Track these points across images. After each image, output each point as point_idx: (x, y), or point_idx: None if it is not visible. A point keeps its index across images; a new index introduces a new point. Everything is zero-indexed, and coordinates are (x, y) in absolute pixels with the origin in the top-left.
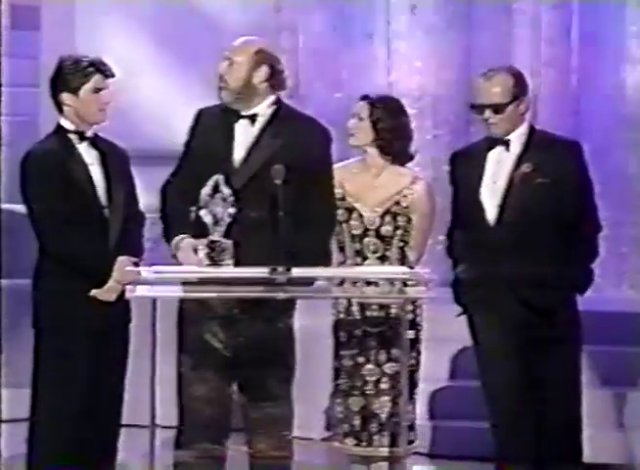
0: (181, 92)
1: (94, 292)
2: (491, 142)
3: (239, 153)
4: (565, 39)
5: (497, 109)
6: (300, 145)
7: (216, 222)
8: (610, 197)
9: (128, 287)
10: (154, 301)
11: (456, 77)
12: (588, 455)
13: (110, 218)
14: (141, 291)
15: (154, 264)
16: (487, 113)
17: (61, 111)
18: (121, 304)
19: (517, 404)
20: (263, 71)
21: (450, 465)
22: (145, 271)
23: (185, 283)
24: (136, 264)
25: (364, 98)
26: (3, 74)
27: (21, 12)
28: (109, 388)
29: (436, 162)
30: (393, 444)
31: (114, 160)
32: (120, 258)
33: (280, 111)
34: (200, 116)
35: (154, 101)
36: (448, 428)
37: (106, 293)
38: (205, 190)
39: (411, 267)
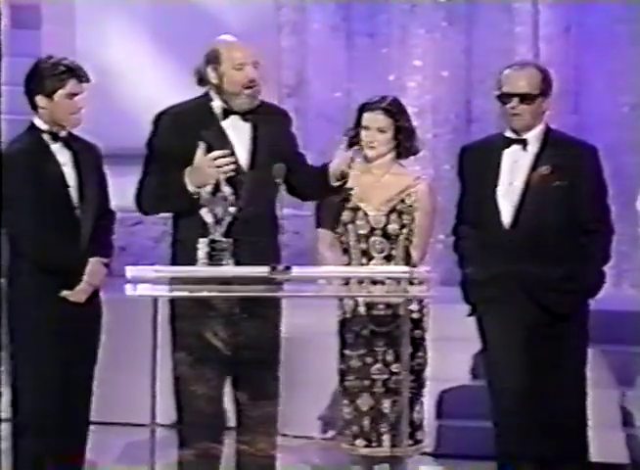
0: (181, 91)
1: (64, 293)
2: (507, 140)
3: (242, 153)
4: (564, 38)
5: (525, 98)
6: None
7: (217, 222)
8: (610, 196)
9: (129, 286)
10: (155, 300)
11: (456, 76)
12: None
13: (81, 218)
14: (142, 290)
15: (154, 264)
16: (514, 101)
17: (35, 109)
18: (93, 304)
19: (524, 404)
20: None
21: (455, 464)
22: (144, 271)
23: (185, 282)
24: (107, 265)
25: (375, 108)
26: (3, 73)
27: (21, 10)
28: (78, 386)
29: (437, 161)
30: (402, 443)
31: (87, 158)
32: (92, 260)
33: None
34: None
35: (153, 99)
36: (453, 427)
37: (77, 294)
38: (206, 189)
39: (414, 266)
